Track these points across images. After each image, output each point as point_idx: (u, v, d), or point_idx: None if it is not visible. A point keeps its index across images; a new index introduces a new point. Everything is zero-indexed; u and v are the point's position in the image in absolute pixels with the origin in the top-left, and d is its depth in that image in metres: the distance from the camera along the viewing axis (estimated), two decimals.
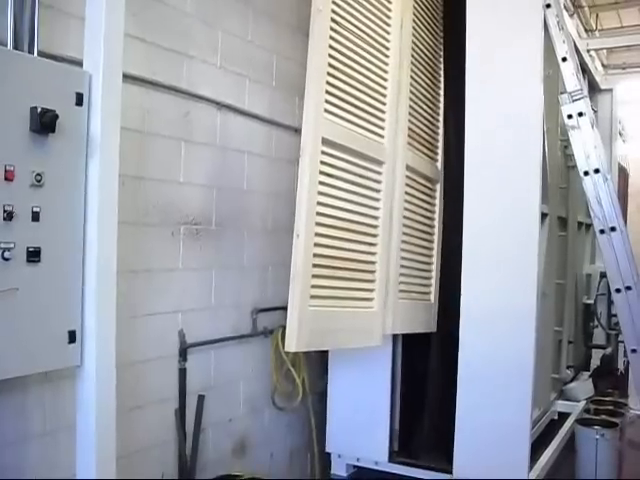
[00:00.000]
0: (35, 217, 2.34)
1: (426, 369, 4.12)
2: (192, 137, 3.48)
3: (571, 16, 5.73)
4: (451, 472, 3.67)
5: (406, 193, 3.65)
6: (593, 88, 6.05)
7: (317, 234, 2.99)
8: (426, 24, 3.96)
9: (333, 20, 3.04)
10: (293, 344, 2.91)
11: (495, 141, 3.60)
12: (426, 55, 3.96)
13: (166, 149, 3.32)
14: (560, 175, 4.75)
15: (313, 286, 2.97)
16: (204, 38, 3.53)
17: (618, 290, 3.39)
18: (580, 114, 3.47)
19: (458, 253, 3.65)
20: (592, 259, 6.23)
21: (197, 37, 3.48)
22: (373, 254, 3.40)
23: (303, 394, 4.24)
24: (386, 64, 3.43)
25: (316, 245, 2.98)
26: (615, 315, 5.26)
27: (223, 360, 3.74)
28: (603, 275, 5.57)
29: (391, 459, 4.03)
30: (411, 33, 3.67)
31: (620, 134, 6.91)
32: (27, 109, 2.29)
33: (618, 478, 4.03)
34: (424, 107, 3.94)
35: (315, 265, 2.98)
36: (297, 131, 4.01)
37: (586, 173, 3.45)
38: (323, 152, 3.00)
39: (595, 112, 4.47)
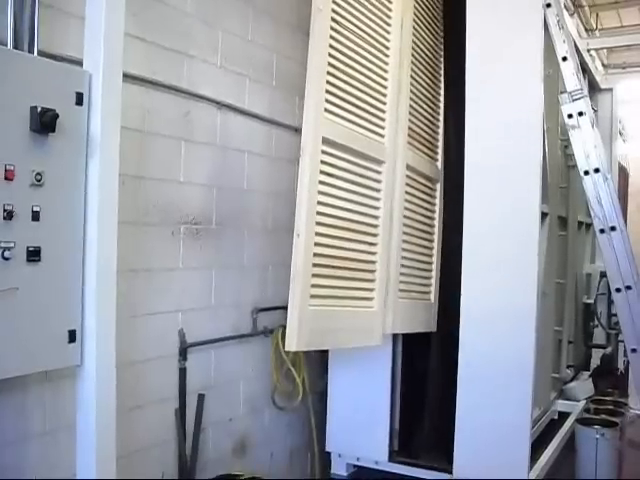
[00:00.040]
0: (35, 217, 2.34)
1: (426, 369, 4.12)
2: (192, 137, 3.48)
3: (571, 15, 5.73)
4: (451, 472, 3.67)
5: (406, 193, 3.65)
6: (593, 87, 6.05)
7: (317, 233, 2.99)
8: (426, 23, 3.96)
9: (333, 20, 3.03)
10: (293, 343, 2.92)
11: (495, 141, 3.60)
12: (426, 55, 3.95)
13: (166, 149, 3.32)
14: (560, 174, 4.75)
15: (313, 285, 2.97)
16: (204, 38, 3.53)
17: (618, 290, 3.39)
18: (580, 113, 3.47)
19: (458, 253, 3.65)
20: (592, 259, 6.22)
21: (197, 37, 3.48)
22: (373, 253, 3.40)
23: (303, 394, 4.24)
24: (386, 64, 3.43)
25: (316, 245, 2.98)
26: (615, 315, 5.26)
27: (223, 360, 3.74)
28: (603, 275, 5.57)
29: (391, 459, 4.03)
30: (411, 33, 3.67)
31: (620, 134, 6.91)
32: (27, 108, 2.29)
33: (618, 477, 4.04)
34: (424, 107, 3.94)
35: (315, 265, 2.98)
36: (297, 131, 4.01)
37: (586, 172, 3.45)
38: (323, 151, 3.00)
39: (595, 112, 4.47)
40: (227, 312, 3.77)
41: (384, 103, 3.43)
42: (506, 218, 3.56)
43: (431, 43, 4.04)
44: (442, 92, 4.22)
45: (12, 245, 2.25)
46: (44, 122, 2.31)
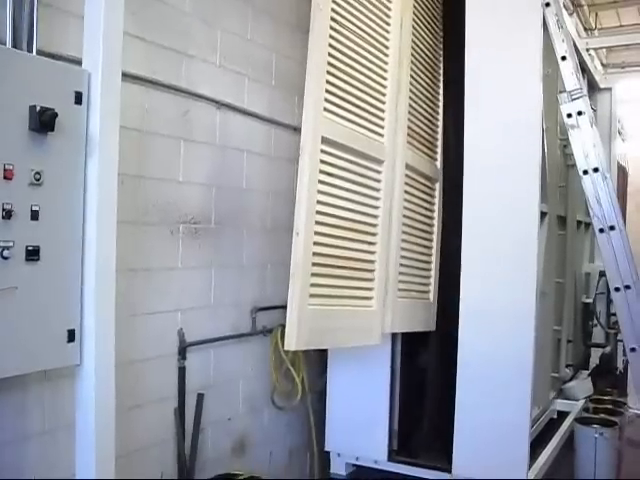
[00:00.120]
0: (34, 216, 2.34)
1: (425, 368, 4.13)
2: (191, 136, 3.47)
3: (570, 15, 5.73)
4: (450, 471, 3.67)
5: (405, 192, 3.65)
6: (592, 87, 6.05)
7: (317, 233, 2.99)
8: (426, 23, 3.96)
9: (333, 19, 3.03)
10: (292, 343, 2.91)
11: (494, 140, 3.61)
12: (426, 54, 3.95)
13: (165, 148, 3.32)
14: (559, 174, 4.75)
15: (312, 285, 2.97)
16: (203, 37, 3.53)
17: (617, 289, 3.39)
18: (579, 113, 3.47)
19: (457, 252, 3.66)
20: (591, 258, 6.23)
21: (196, 36, 3.48)
22: (372, 253, 3.40)
23: (302, 393, 4.24)
24: (386, 63, 3.43)
25: (315, 244, 2.98)
26: (614, 314, 5.26)
27: (222, 359, 3.74)
28: (602, 274, 5.57)
29: (390, 458, 4.03)
30: (411, 32, 3.67)
31: (619, 133, 6.91)
32: (26, 108, 2.29)
33: (617, 477, 4.04)
34: (424, 106, 3.93)
35: (314, 264, 2.98)
36: (296, 130, 4.01)
37: (585, 172, 3.45)
38: (322, 151, 2.99)
39: (594, 111, 4.47)
40: (226, 311, 3.77)
41: (383, 102, 3.43)
42: (505, 217, 3.56)
43: (430, 42, 4.04)
44: (441, 91, 4.22)
45: (11, 244, 2.25)
46: (43, 121, 2.31)
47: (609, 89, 6.37)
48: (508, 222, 3.56)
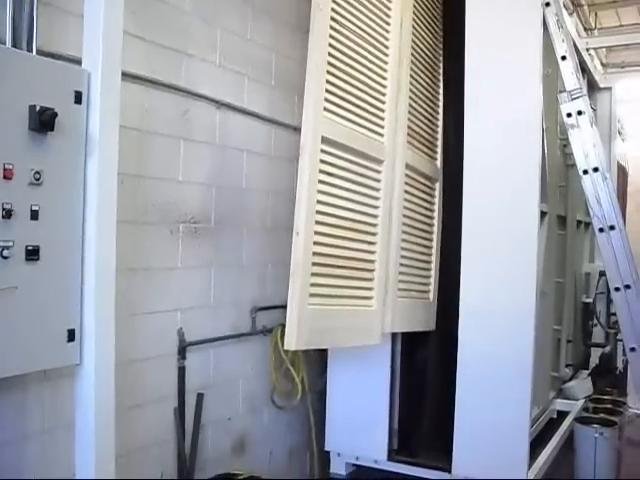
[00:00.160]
0: (34, 215, 2.33)
1: (425, 368, 4.12)
2: (191, 136, 3.47)
3: (570, 15, 5.73)
4: (450, 471, 3.67)
5: (405, 192, 3.65)
6: (592, 87, 6.05)
7: (317, 232, 2.98)
8: (426, 23, 3.96)
9: (333, 19, 3.03)
10: (292, 342, 2.91)
11: (494, 140, 3.61)
12: (426, 54, 3.95)
13: (165, 148, 3.32)
14: (559, 174, 4.74)
15: (312, 284, 2.97)
16: (203, 36, 3.53)
17: (617, 289, 3.39)
18: (579, 113, 3.47)
19: (457, 252, 3.66)
20: (591, 258, 6.23)
21: (196, 35, 3.48)
22: (372, 252, 3.40)
23: (302, 393, 4.24)
24: (386, 63, 3.43)
25: (315, 243, 2.98)
26: (614, 314, 5.26)
27: (222, 359, 3.74)
28: (602, 274, 5.57)
29: (390, 458, 4.03)
30: (411, 32, 3.66)
31: (619, 133, 6.91)
32: (26, 107, 2.29)
33: (617, 476, 4.04)
34: (423, 106, 3.93)
35: (314, 263, 2.98)
36: (296, 129, 4.01)
37: (585, 172, 3.45)
38: (322, 150, 2.99)
39: (594, 111, 4.47)
40: (226, 311, 3.77)
41: (383, 102, 3.43)
42: (505, 217, 3.56)
43: (430, 42, 4.04)
44: (441, 91, 4.22)
45: (11, 244, 2.25)
46: (43, 121, 2.31)
47: (609, 89, 6.37)
48: (508, 222, 3.56)
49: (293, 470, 4.46)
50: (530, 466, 3.56)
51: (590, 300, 5.97)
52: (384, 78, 3.43)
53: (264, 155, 4.08)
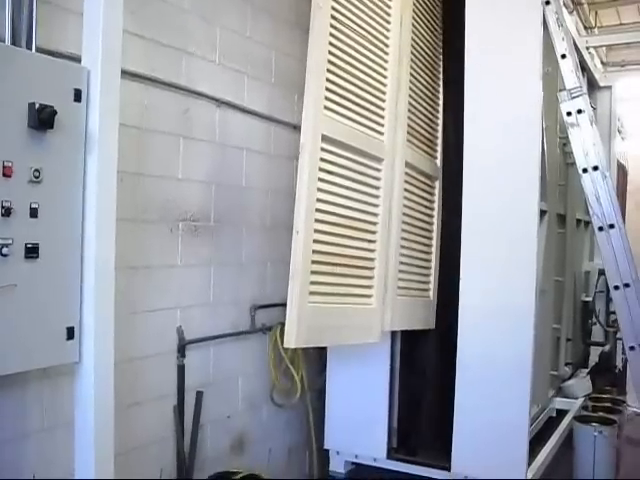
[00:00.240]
0: (33, 213, 2.33)
1: (425, 366, 4.12)
2: (191, 134, 3.47)
3: (570, 13, 5.73)
4: (449, 469, 3.67)
5: (405, 190, 3.65)
6: (592, 85, 6.05)
7: (316, 231, 2.98)
8: (426, 21, 3.95)
9: (333, 17, 3.03)
10: (292, 340, 2.91)
11: (494, 138, 3.61)
12: (426, 52, 3.95)
13: (165, 146, 3.32)
14: (559, 172, 4.75)
15: (312, 282, 2.97)
16: (202, 34, 3.53)
17: (616, 287, 3.39)
18: (579, 111, 3.47)
19: (457, 250, 3.66)
20: (591, 256, 6.23)
21: (196, 33, 3.47)
22: (372, 251, 3.40)
23: (302, 391, 4.25)
24: (386, 61, 3.43)
25: (315, 242, 2.98)
26: (613, 312, 5.26)
27: (222, 357, 3.74)
28: (602, 272, 5.57)
29: (389, 456, 4.03)
30: (411, 30, 3.66)
31: (619, 131, 6.91)
32: (25, 105, 2.29)
33: (616, 475, 4.04)
34: (423, 104, 3.93)
35: (314, 262, 2.98)
36: (296, 128, 4.01)
37: (585, 170, 3.45)
38: (322, 149, 2.99)
39: (594, 109, 4.47)
40: (226, 309, 3.77)
41: (383, 100, 3.42)
42: (505, 216, 3.56)
43: (430, 41, 4.03)
44: (441, 90, 4.22)
45: (10, 242, 2.25)
46: (42, 118, 2.30)
47: (609, 87, 6.37)
48: (508, 220, 3.56)
49: (292, 468, 4.46)
50: (529, 465, 3.57)
51: (589, 299, 5.98)
52: (384, 77, 3.43)
53: (264, 153, 4.07)
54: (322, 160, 3.00)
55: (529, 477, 3.52)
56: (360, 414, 4.08)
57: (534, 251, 3.50)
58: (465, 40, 3.64)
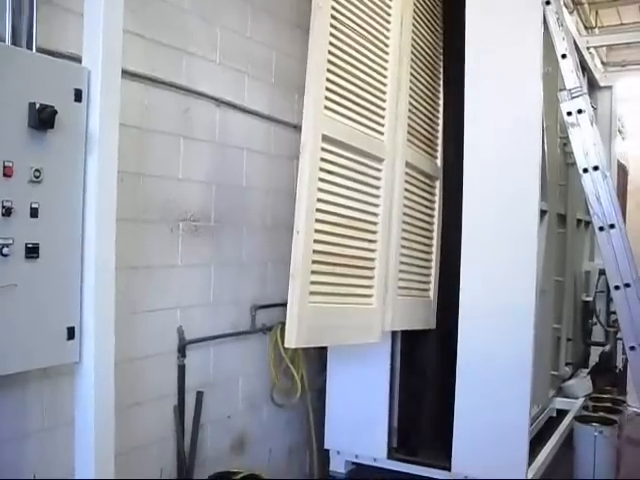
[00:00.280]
0: (34, 213, 2.33)
1: (425, 366, 4.12)
2: (191, 134, 3.47)
3: (571, 13, 5.74)
4: (450, 469, 3.67)
5: (406, 190, 3.65)
6: (593, 85, 6.05)
7: (317, 231, 2.98)
8: (426, 21, 3.95)
9: (333, 17, 3.03)
10: (292, 340, 2.91)
11: (494, 138, 3.61)
12: (426, 52, 3.95)
13: (165, 146, 3.32)
14: (559, 172, 4.75)
15: (313, 282, 2.97)
16: (203, 34, 3.53)
17: (617, 287, 3.39)
18: (579, 111, 3.47)
19: (458, 250, 3.66)
20: (591, 256, 6.23)
21: (196, 33, 3.47)
22: (373, 251, 3.40)
23: (302, 391, 4.24)
24: (386, 61, 3.43)
25: (316, 242, 2.98)
26: (614, 312, 5.27)
27: (222, 357, 3.74)
28: (602, 272, 5.57)
29: (390, 456, 4.03)
30: (411, 30, 3.66)
31: (619, 131, 6.91)
32: (26, 105, 2.29)
33: (616, 475, 4.04)
34: (424, 104, 3.93)
35: (315, 261, 2.98)
36: (296, 128, 4.01)
37: (585, 170, 3.45)
38: (323, 149, 2.99)
39: (594, 109, 4.46)
40: (226, 309, 3.77)
41: (384, 100, 3.43)
42: (505, 216, 3.56)
43: (431, 40, 4.03)
44: (441, 89, 4.22)
45: (10, 242, 2.25)
46: (43, 119, 2.30)
47: (609, 87, 6.37)
48: (508, 220, 3.56)
49: (292, 468, 4.46)
50: (529, 465, 3.57)
51: (590, 299, 5.98)
52: (384, 76, 3.43)
53: (264, 153, 4.07)
54: (322, 160, 3.00)
55: (529, 477, 3.52)
56: (360, 414, 4.08)
57: (534, 251, 3.50)
58: (465, 40, 3.64)
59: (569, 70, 3.51)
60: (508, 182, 3.56)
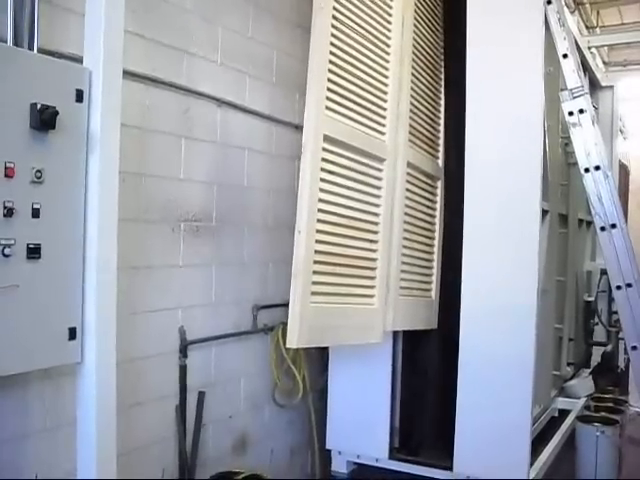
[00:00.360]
0: (35, 213, 2.33)
1: (427, 366, 4.12)
2: (192, 134, 3.47)
3: (572, 13, 5.73)
4: (452, 469, 3.67)
5: (407, 190, 3.65)
6: (594, 85, 6.05)
7: (318, 231, 2.98)
8: (427, 21, 3.95)
9: (334, 17, 3.03)
10: (294, 340, 2.91)
11: (495, 138, 3.60)
12: (427, 52, 3.95)
13: (166, 146, 3.32)
14: (561, 172, 4.75)
15: (314, 282, 2.97)
16: (204, 34, 3.53)
17: (619, 287, 3.39)
18: (581, 111, 3.47)
19: (459, 250, 3.66)
20: (593, 256, 6.23)
21: (197, 33, 3.47)
22: (374, 251, 3.40)
23: (303, 391, 4.24)
24: (387, 61, 3.43)
25: (317, 242, 2.98)
26: (615, 312, 5.27)
27: (223, 357, 3.74)
28: (604, 272, 5.58)
29: (391, 456, 4.03)
30: (412, 30, 3.66)
31: (621, 131, 6.91)
32: (27, 105, 2.29)
33: (618, 475, 4.04)
34: (425, 104, 3.93)
35: (316, 262, 2.98)
36: (297, 127, 4.01)
37: (587, 170, 3.45)
38: (324, 149, 2.99)
39: (596, 109, 4.47)
40: (227, 309, 3.77)
41: (385, 100, 3.43)
42: (507, 216, 3.56)
43: (432, 41, 4.03)
44: (443, 89, 4.22)
45: (12, 242, 2.25)
46: (44, 119, 2.30)
47: (611, 87, 6.37)
48: (509, 220, 3.55)
49: (294, 468, 4.46)
50: (531, 464, 3.57)
51: (592, 299, 5.98)
52: (385, 77, 3.43)
53: (265, 153, 4.07)
54: (324, 160, 3.00)
55: (531, 477, 3.51)
56: (362, 414, 4.08)
57: (536, 251, 3.50)
58: (466, 40, 3.64)
59: (570, 70, 3.51)
60: (509, 182, 3.56)
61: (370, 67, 3.30)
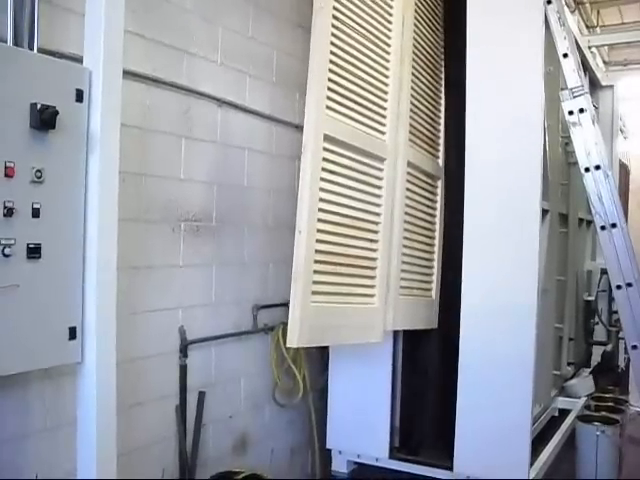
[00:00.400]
0: (35, 213, 2.33)
1: (427, 366, 4.12)
2: (192, 134, 3.47)
3: (572, 12, 5.73)
4: (452, 469, 3.67)
5: (407, 190, 3.65)
6: (594, 84, 6.05)
7: (319, 230, 2.98)
8: (427, 21, 3.95)
9: (334, 17, 3.03)
10: (295, 340, 2.91)
11: (496, 138, 3.60)
12: (427, 52, 3.95)
13: (166, 146, 3.32)
14: (561, 172, 4.75)
15: (315, 282, 2.97)
16: (204, 34, 3.53)
17: (619, 287, 3.39)
18: (581, 110, 3.46)
19: (459, 250, 3.66)
20: (593, 256, 6.23)
21: (197, 33, 3.47)
22: (374, 250, 3.40)
23: (304, 391, 4.25)
24: (387, 61, 3.43)
25: (318, 241, 2.98)
26: (616, 312, 5.26)
27: (224, 357, 3.74)
28: (604, 272, 5.58)
29: (392, 455, 4.03)
30: (412, 30, 3.66)
31: (621, 131, 6.91)
32: (27, 105, 2.29)
33: (618, 475, 4.04)
34: (425, 104, 3.93)
35: (317, 261, 2.98)
36: (298, 127, 4.01)
37: (587, 169, 3.45)
38: (325, 149, 2.99)
39: (596, 108, 4.47)
40: (228, 309, 3.77)
41: (385, 100, 3.43)
42: (507, 215, 3.56)
43: (432, 40, 4.03)
44: (443, 89, 4.21)
45: (12, 242, 2.25)
46: (44, 119, 2.30)
47: (611, 87, 6.37)
48: (509, 220, 3.55)
49: (294, 468, 4.46)
50: (531, 464, 3.57)
51: (592, 298, 5.98)
52: (386, 76, 3.43)
53: (265, 153, 4.07)
54: (324, 160, 3.00)
55: (531, 477, 3.51)
56: (362, 414, 4.08)
57: (536, 250, 3.50)
58: (467, 39, 3.64)
59: (571, 69, 3.50)
60: (510, 181, 3.56)
61: (370, 67, 3.30)
